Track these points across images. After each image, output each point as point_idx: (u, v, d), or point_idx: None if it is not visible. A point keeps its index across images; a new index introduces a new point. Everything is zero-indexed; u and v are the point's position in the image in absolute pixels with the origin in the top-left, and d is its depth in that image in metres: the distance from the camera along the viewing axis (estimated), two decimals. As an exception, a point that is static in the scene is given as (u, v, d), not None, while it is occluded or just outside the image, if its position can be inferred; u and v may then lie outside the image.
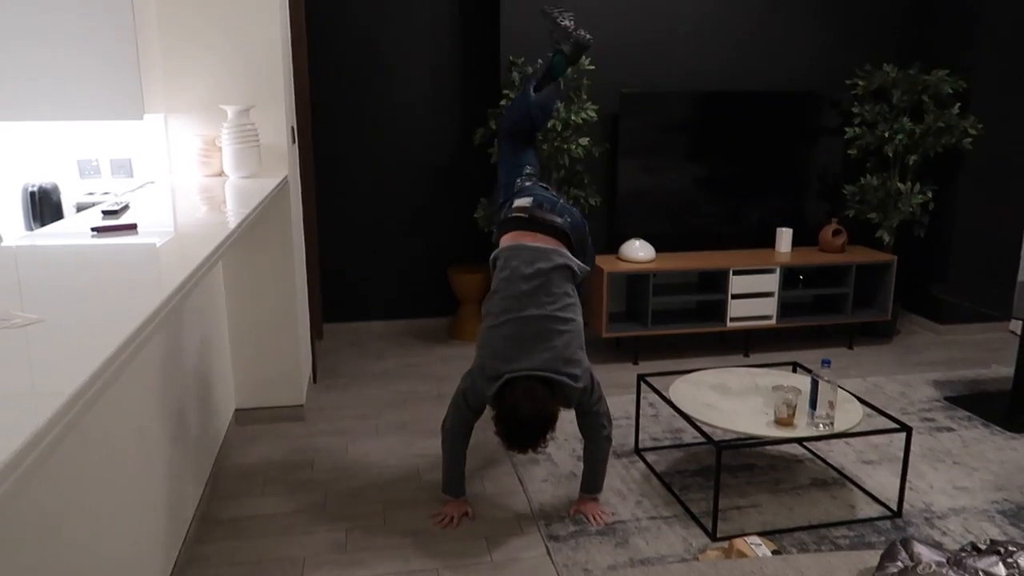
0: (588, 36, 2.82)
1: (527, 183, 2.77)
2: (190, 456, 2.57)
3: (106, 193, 3.04)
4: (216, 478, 2.94)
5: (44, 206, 2.95)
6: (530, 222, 2.61)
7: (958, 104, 4.37)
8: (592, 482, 2.71)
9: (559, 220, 2.61)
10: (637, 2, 4.35)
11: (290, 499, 2.82)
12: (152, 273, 1.61)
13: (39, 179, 3.02)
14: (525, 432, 2.39)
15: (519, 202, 2.67)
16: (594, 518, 2.67)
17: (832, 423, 2.62)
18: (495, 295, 2.57)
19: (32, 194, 2.94)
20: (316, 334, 4.40)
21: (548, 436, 2.44)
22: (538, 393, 2.41)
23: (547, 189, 2.77)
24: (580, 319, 2.59)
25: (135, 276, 1.57)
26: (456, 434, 2.63)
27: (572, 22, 2.85)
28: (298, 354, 3.44)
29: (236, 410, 3.43)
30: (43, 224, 2.94)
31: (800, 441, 2.61)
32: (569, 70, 2.95)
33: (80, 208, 2.92)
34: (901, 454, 3.17)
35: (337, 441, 3.29)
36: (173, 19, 3.08)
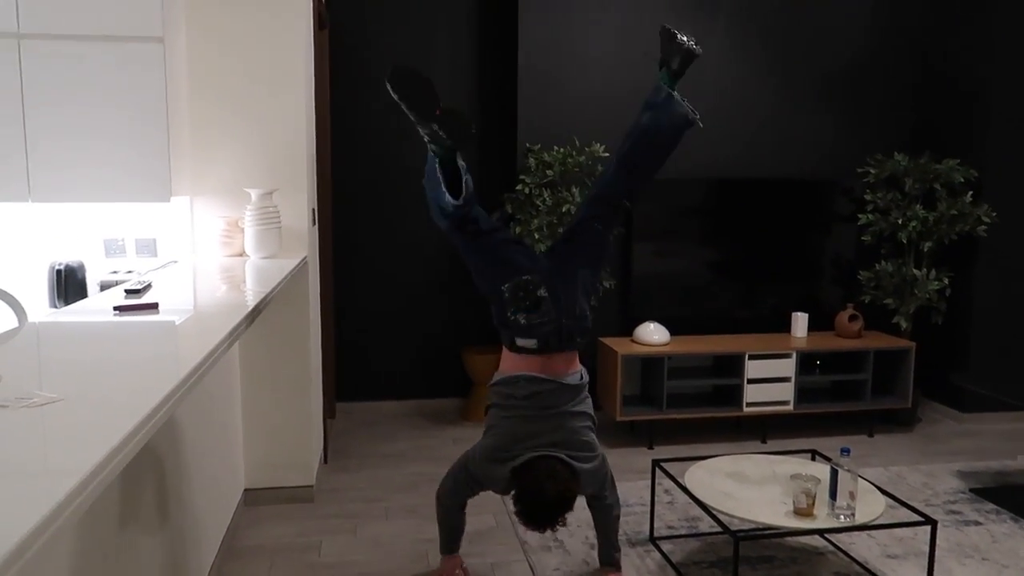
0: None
1: (524, 309, 2.45)
2: (196, 537, 2.53)
3: (130, 272, 3.11)
4: (222, 560, 2.89)
5: (69, 284, 3.01)
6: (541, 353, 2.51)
7: (970, 192, 4.41)
8: (609, 552, 2.72)
9: (572, 345, 2.52)
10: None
11: (296, 585, 2.76)
12: (170, 354, 1.63)
13: (66, 257, 3.10)
14: (547, 514, 2.40)
15: (523, 342, 2.49)
16: (610, 608, 2.59)
17: (853, 514, 2.54)
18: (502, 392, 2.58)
19: (58, 272, 3.00)
20: (328, 414, 4.38)
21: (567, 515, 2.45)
22: (560, 474, 2.41)
23: (543, 291, 2.46)
24: (591, 409, 2.60)
25: (153, 356, 1.59)
26: (451, 507, 2.70)
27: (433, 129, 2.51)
28: (310, 435, 3.42)
29: (245, 490, 3.39)
30: (67, 302, 3.00)
31: (821, 533, 2.54)
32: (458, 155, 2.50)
33: (104, 286, 2.97)
34: (927, 548, 3.06)
35: (346, 524, 3.23)
36: (204, 112, 3.22)
